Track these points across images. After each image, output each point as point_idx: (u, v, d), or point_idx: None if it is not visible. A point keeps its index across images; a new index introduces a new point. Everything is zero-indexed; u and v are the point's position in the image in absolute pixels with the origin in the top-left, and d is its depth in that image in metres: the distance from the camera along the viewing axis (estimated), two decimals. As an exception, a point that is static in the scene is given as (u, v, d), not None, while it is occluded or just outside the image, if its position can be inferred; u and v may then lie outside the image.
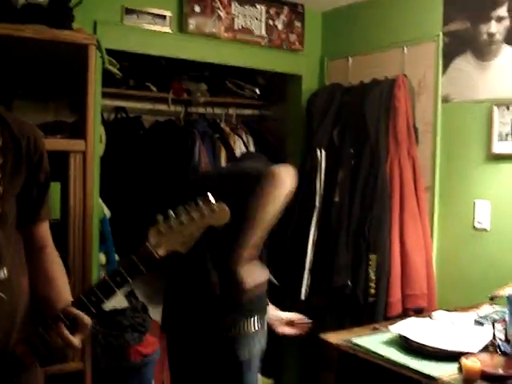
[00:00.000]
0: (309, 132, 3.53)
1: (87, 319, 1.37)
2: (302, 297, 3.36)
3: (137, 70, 3.55)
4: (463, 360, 1.69)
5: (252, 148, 3.80)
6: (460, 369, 1.70)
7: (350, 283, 3.17)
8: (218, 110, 3.90)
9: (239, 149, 3.71)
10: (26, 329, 1.46)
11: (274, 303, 3.26)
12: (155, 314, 3.67)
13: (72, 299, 1.45)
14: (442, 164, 3.05)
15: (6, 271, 1.36)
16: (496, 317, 2.02)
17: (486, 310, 2.32)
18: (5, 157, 1.37)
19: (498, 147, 2.76)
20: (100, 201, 3.07)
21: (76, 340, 1.35)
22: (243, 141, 3.77)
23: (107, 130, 3.34)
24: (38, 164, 1.48)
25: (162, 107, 3.70)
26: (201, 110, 3.84)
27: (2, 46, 2.33)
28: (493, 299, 2.28)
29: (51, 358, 1.38)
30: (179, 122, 3.70)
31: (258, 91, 3.94)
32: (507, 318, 1.88)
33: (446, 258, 3.02)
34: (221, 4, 3.30)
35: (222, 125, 3.80)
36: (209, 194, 1.39)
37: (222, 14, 3.31)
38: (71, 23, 2.60)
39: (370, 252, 3.10)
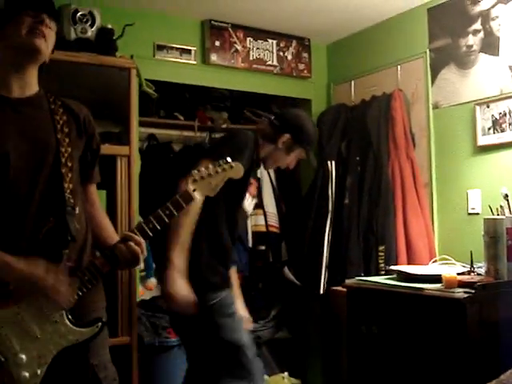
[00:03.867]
0: (319, 147, 3.99)
1: (141, 240, 1.77)
2: (321, 291, 3.73)
3: (166, 102, 4.06)
4: (443, 274, 2.08)
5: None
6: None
7: (363, 275, 3.54)
8: (238, 136, 4.38)
9: (258, 168, 4.17)
10: (91, 253, 1.88)
11: (295, 300, 3.64)
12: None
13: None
14: (436, 162, 3.48)
15: (77, 209, 1.80)
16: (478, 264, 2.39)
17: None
18: (70, 127, 1.84)
19: (483, 140, 3.18)
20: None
21: (138, 250, 1.75)
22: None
23: (142, 157, 3.81)
24: (92, 134, 1.95)
25: (189, 134, 4.19)
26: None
27: (60, 71, 2.82)
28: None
29: (121, 266, 1.80)
30: (205, 145, 4.18)
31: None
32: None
33: (446, 242, 3.40)
34: (237, 39, 3.84)
35: (243, 148, 4.27)
36: (227, 157, 1.86)
37: (239, 47, 3.85)
38: (115, 53, 3.13)
39: (379, 244, 3.50)
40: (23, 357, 1.64)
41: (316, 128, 2.94)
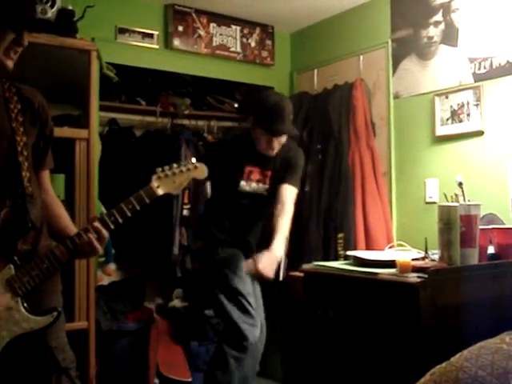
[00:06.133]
0: (281, 135, 4.00)
1: (106, 232, 1.77)
2: (281, 278, 3.75)
3: (128, 87, 4.02)
4: (397, 259, 2.12)
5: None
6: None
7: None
8: (200, 122, 4.37)
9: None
10: (47, 236, 1.86)
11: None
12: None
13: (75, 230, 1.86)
14: (396, 151, 3.53)
15: (33, 195, 1.79)
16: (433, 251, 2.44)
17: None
18: (24, 115, 1.82)
19: (441, 130, 3.24)
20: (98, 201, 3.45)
21: (98, 246, 1.76)
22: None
23: (102, 142, 3.76)
24: (45, 121, 1.93)
25: (151, 119, 4.16)
26: (185, 122, 4.30)
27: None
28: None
29: (79, 256, 1.79)
30: (167, 131, 4.16)
31: (236, 105, 4.41)
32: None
33: (403, 230, 3.46)
34: (201, 24, 3.82)
35: (205, 134, 4.27)
36: (193, 158, 1.90)
37: (202, 32, 3.83)
38: (75, 35, 3.08)
39: (338, 231, 3.54)
40: (-26, 342, 1.61)
41: (283, 106, 2.76)
